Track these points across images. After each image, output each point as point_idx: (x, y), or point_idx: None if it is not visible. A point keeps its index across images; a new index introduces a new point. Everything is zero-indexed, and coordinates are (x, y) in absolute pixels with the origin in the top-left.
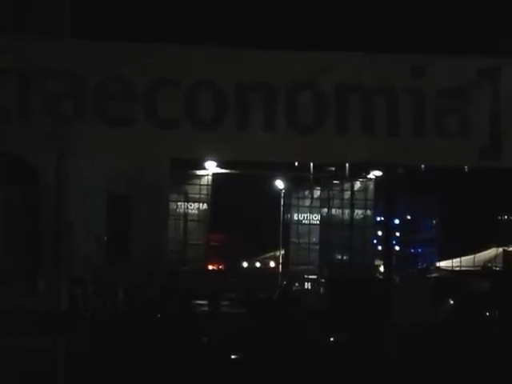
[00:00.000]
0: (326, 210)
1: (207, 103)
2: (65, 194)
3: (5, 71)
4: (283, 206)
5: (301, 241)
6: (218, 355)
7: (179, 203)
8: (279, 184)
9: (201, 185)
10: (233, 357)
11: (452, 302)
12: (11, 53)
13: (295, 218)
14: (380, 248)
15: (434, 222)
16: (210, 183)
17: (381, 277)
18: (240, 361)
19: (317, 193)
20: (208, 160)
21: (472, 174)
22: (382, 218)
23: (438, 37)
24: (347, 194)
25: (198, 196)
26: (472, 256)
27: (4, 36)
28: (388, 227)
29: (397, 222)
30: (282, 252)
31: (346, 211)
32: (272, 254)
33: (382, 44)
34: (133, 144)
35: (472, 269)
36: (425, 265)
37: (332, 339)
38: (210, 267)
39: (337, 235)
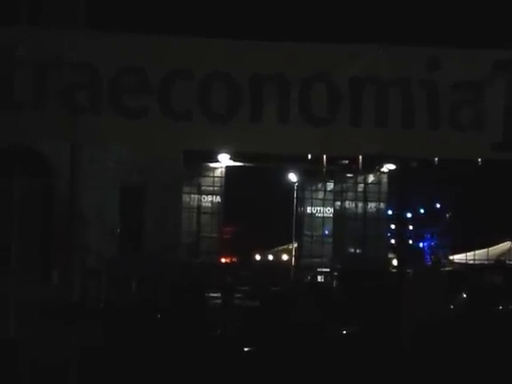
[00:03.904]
0: (339, 202)
1: (221, 95)
2: (78, 186)
3: (20, 62)
4: (296, 198)
5: (314, 234)
6: (230, 348)
7: (192, 196)
8: (292, 177)
9: (214, 177)
10: (246, 349)
11: (465, 295)
12: (26, 43)
13: (308, 210)
14: (393, 241)
15: (448, 215)
16: (223, 176)
17: (394, 270)
18: (253, 353)
19: (330, 186)
20: (221, 152)
21: (486, 167)
22: (395, 212)
23: (454, 29)
24: (360, 187)
25: (211, 188)
26: (485, 250)
27: (20, 27)
28: (401, 220)
29: (410, 215)
30: (295, 245)
31: (359, 204)
32: (285, 246)
33: (398, 36)
34: (147, 135)
35: (486, 262)
36: (438, 258)
37: (344, 332)
38: (223, 260)
39: (350, 228)
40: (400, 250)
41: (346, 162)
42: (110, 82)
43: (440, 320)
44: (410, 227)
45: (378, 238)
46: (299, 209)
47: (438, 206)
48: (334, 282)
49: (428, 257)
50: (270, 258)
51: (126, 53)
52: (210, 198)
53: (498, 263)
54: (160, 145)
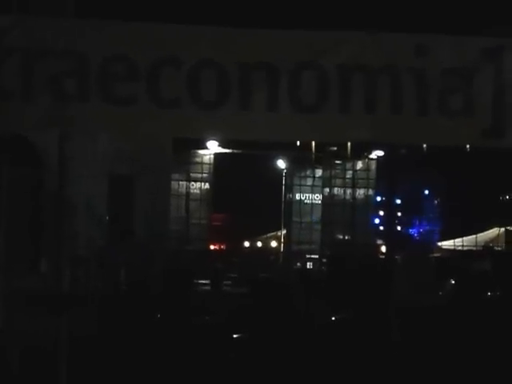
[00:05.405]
0: (327, 189)
1: (210, 83)
2: (67, 174)
3: (8, 51)
4: (285, 185)
5: (303, 220)
6: (219, 335)
7: (181, 182)
8: (281, 164)
9: (203, 164)
10: (235, 336)
11: (453, 281)
12: (14, 32)
13: (297, 197)
14: (382, 228)
15: (436, 201)
16: (211, 163)
17: (382, 257)
18: (242, 340)
19: (318, 172)
20: (210, 139)
21: (475, 154)
22: (384, 198)
23: (442, 16)
24: (349, 174)
25: (199, 175)
26: (474, 236)
27: (7, 16)
28: (390, 207)
29: (398, 202)
30: (284, 232)
31: (348, 191)
32: (274, 233)
33: (386, 23)
34: (135, 123)
35: (474, 249)
36: (426, 245)
37: (334, 318)
38: (212, 247)
39: (339, 215)
40: (389, 237)
41: (335, 148)
42: (98, 70)
43: (428, 306)
44: (399, 214)
45: (367, 225)
46: (288, 195)
47: (427, 192)
48: (323, 269)
49: (418, 243)
50: (259, 244)
51: (114, 41)
52: (198, 184)
53: (486, 249)
54: (149, 133)
